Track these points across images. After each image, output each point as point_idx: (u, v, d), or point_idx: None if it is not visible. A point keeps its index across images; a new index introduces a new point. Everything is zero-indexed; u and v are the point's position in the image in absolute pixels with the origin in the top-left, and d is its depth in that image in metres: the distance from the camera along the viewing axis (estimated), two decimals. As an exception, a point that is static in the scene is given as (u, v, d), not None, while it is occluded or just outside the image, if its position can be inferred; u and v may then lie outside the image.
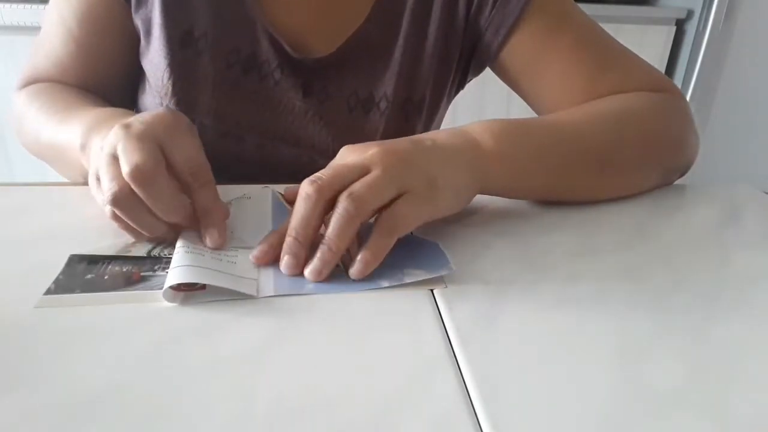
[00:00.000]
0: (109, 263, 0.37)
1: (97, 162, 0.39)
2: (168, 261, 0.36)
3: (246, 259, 0.38)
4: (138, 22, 0.56)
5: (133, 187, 0.35)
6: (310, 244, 0.37)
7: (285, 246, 0.37)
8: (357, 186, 0.37)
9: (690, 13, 1.73)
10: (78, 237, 0.40)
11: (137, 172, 0.35)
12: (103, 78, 0.59)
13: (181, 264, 0.35)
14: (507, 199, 0.50)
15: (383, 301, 0.35)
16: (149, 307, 0.33)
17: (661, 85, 0.56)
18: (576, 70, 0.56)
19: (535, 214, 0.48)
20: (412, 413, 0.26)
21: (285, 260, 0.37)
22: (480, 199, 0.48)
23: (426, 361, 0.30)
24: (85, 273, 0.36)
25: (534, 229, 0.45)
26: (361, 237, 0.38)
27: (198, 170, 0.39)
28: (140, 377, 0.28)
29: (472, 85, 0.69)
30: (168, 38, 0.54)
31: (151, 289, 0.35)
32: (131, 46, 0.58)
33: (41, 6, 1.46)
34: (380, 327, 0.33)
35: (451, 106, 0.68)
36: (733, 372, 0.30)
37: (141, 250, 0.39)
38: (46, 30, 0.58)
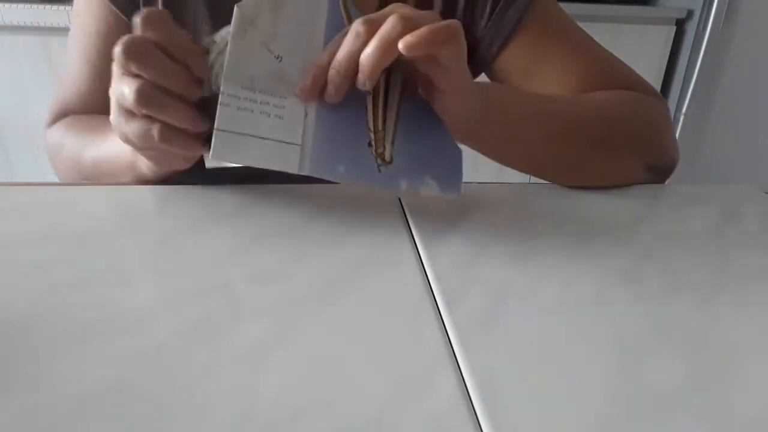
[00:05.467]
0: None
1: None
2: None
3: (293, 110, 0.38)
4: None
5: (136, 65, 0.36)
6: (351, 79, 0.38)
7: (329, 77, 0.38)
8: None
9: (690, 13, 1.74)
10: (78, 237, 0.40)
11: (130, 48, 0.36)
12: None
13: (226, 128, 0.36)
14: (505, 199, 0.50)
15: (383, 301, 0.35)
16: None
17: (648, 91, 0.59)
18: (568, 79, 0.57)
19: (535, 214, 0.48)
20: (412, 413, 0.26)
21: (327, 90, 0.38)
22: (479, 198, 0.48)
23: (426, 361, 0.30)
24: None
25: (534, 229, 0.45)
26: (400, 128, 0.40)
27: (191, 47, 0.39)
28: (140, 376, 0.28)
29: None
30: None
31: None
32: None
33: (41, 6, 1.46)
34: (380, 327, 0.33)
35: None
36: (732, 372, 0.30)
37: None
38: (70, 65, 0.59)
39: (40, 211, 0.44)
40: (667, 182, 0.57)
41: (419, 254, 0.40)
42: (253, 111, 0.37)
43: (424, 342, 0.31)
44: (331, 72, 0.38)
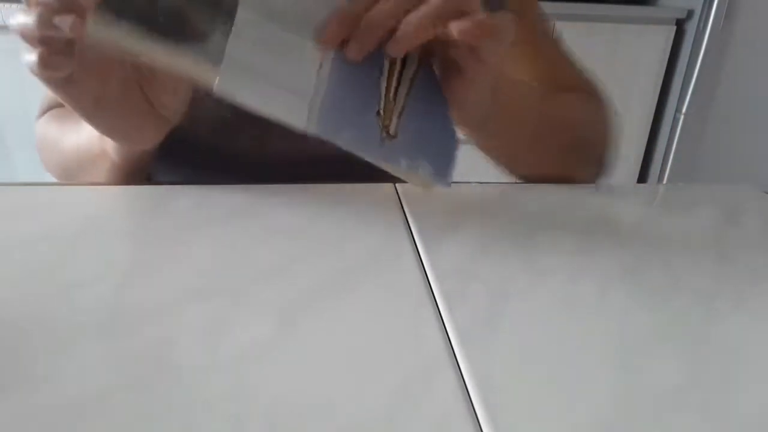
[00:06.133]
0: None
1: None
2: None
3: (309, 56, 0.36)
4: None
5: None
6: (382, 38, 0.34)
7: (359, 31, 0.34)
8: None
9: (690, 13, 1.74)
10: (78, 237, 0.40)
11: None
12: None
13: (237, 56, 0.34)
14: (505, 199, 0.50)
15: (383, 301, 0.35)
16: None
17: (598, 91, 0.61)
18: (528, 77, 0.59)
19: (535, 214, 0.48)
20: (412, 413, 0.26)
21: (349, 45, 0.35)
22: (479, 198, 0.48)
23: (426, 362, 0.30)
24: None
25: (534, 229, 0.45)
26: (409, 104, 0.39)
27: None
28: (139, 376, 0.28)
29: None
30: None
31: (206, 55, 0.33)
32: None
33: (41, 6, 1.46)
34: (380, 327, 0.33)
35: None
36: (733, 372, 0.30)
37: None
38: None
39: (40, 211, 0.44)
40: (667, 182, 0.58)
41: (419, 254, 0.40)
42: (268, 43, 0.35)
43: (424, 342, 0.31)
44: (364, 25, 0.34)
